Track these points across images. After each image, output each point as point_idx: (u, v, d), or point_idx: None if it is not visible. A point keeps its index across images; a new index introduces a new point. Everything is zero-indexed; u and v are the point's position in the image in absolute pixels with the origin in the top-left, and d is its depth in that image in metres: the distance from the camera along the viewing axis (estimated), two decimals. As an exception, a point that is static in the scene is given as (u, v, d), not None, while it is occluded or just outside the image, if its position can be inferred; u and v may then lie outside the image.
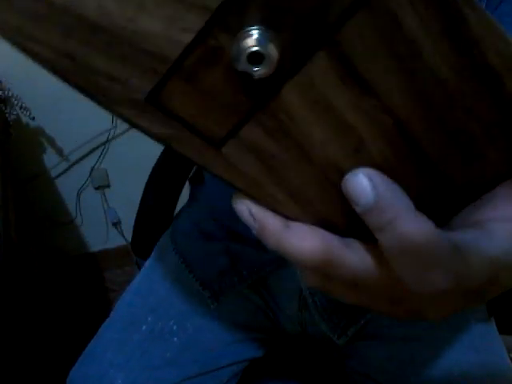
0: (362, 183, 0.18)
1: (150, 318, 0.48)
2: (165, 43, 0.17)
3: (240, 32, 0.17)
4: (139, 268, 0.59)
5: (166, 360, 0.46)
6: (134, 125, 0.18)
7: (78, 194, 1.25)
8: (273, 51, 0.17)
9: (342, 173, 0.20)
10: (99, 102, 0.18)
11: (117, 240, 1.35)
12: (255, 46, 0.16)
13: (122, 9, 0.16)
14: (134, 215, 0.64)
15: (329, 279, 0.20)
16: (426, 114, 0.19)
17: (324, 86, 0.18)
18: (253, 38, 0.16)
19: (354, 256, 0.19)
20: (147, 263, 0.55)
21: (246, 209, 0.20)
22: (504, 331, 0.49)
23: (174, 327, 0.47)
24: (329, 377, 0.54)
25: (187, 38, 0.17)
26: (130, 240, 0.67)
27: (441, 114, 0.18)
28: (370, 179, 0.18)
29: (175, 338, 0.47)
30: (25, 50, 0.17)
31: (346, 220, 0.21)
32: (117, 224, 1.32)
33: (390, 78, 0.18)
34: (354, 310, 0.46)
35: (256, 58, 0.16)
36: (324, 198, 0.20)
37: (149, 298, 0.50)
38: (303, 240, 0.19)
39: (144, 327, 0.47)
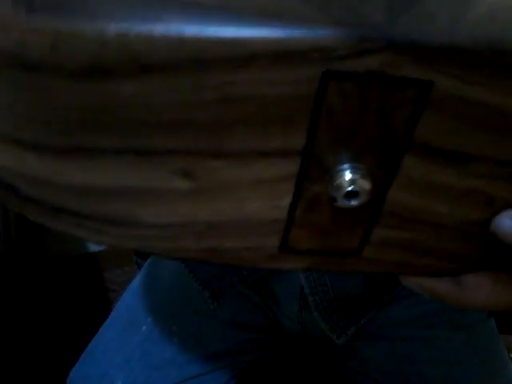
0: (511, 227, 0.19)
1: (149, 319, 0.48)
2: (272, 211, 0.19)
3: (328, 178, 0.18)
4: (139, 268, 0.59)
5: (166, 360, 0.46)
6: (276, 270, 0.21)
7: (78, 194, 1.25)
8: (363, 183, 0.18)
9: (482, 222, 0.20)
10: (242, 266, 0.22)
11: (117, 240, 1.35)
12: (347, 187, 0.18)
13: (230, 204, 0.19)
14: (134, 215, 0.64)
15: None
16: None
17: (424, 176, 0.19)
18: (342, 180, 0.18)
19: None
20: (147, 263, 0.55)
21: (416, 284, 0.22)
22: (504, 331, 0.48)
23: (174, 327, 0.47)
24: (329, 377, 0.54)
25: (286, 201, 0.19)
26: (129, 240, 0.67)
27: None
28: None
29: (175, 338, 0.47)
30: (174, 259, 0.21)
31: (486, 253, 0.22)
32: (117, 224, 1.32)
33: (488, 143, 0.18)
34: (354, 309, 0.45)
35: (351, 194, 0.18)
36: (470, 248, 0.21)
37: (149, 298, 0.50)
38: (477, 292, 0.21)
39: (144, 327, 0.47)
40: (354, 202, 0.18)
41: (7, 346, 0.75)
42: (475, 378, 0.42)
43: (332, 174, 0.18)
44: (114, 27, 0.14)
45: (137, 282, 0.53)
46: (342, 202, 0.18)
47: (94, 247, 1.36)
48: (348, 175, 0.18)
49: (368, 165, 0.18)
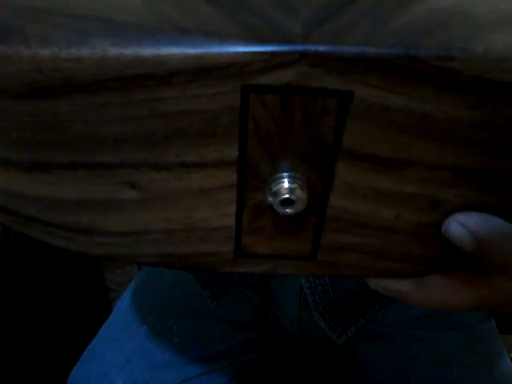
0: (458, 232, 0.19)
1: (150, 319, 0.48)
2: (220, 218, 0.20)
3: (266, 186, 0.19)
4: (139, 268, 0.59)
5: (166, 360, 0.46)
6: (238, 272, 0.22)
7: (78, 194, 1.24)
8: (298, 191, 0.18)
9: (435, 225, 0.20)
10: (209, 272, 0.22)
11: (117, 240, 1.34)
12: (282, 195, 0.18)
13: (179, 213, 0.20)
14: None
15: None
16: (471, 149, 0.18)
17: (362, 182, 0.19)
18: (277, 188, 0.18)
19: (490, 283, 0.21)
20: (147, 263, 0.55)
21: (380, 286, 0.22)
22: (504, 331, 0.49)
23: (174, 327, 0.47)
24: (329, 377, 0.54)
25: (233, 209, 0.20)
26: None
27: (483, 138, 0.18)
28: (463, 225, 0.19)
29: (175, 338, 0.47)
30: (139, 264, 0.22)
31: (448, 254, 0.22)
32: (117, 224, 1.32)
33: (415, 147, 0.18)
34: (353, 310, 0.46)
35: (287, 202, 0.19)
36: (430, 250, 0.22)
37: (149, 298, 0.50)
38: (442, 293, 0.21)
39: (144, 327, 0.47)
40: (290, 210, 0.19)
41: (7, 346, 0.75)
42: (475, 378, 0.42)
43: (270, 182, 0.19)
44: (46, 51, 0.15)
45: (137, 282, 0.53)
46: (279, 210, 0.19)
47: (94, 247, 1.36)
48: (285, 184, 0.18)
49: (305, 173, 0.19)
